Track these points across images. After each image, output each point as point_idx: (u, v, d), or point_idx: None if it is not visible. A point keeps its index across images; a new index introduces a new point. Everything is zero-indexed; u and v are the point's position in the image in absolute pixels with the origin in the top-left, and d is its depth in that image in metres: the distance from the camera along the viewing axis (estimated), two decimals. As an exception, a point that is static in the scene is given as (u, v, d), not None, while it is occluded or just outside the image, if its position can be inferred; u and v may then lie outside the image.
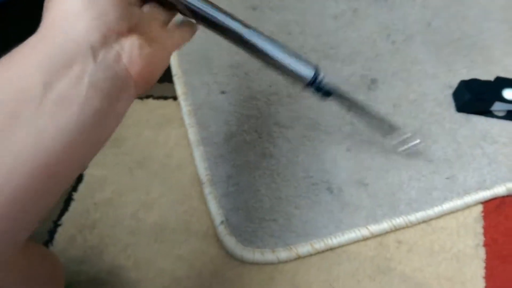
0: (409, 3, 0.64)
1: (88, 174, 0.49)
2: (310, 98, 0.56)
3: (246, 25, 0.33)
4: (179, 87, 0.56)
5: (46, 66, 0.22)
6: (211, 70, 0.57)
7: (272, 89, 0.56)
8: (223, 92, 0.56)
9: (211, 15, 0.32)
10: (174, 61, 0.58)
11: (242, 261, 0.44)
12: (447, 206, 0.47)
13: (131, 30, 0.26)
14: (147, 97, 0.56)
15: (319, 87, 0.35)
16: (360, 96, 0.56)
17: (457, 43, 0.60)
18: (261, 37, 0.32)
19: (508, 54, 0.59)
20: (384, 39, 0.61)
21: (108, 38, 0.24)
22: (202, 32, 0.63)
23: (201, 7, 0.30)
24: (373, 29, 0.62)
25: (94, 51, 0.23)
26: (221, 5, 0.64)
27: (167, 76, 0.57)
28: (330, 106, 0.55)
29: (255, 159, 0.50)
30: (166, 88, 0.56)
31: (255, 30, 0.32)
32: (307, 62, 0.36)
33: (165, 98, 0.56)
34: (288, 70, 0.34)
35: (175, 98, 0.55)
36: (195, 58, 0.58)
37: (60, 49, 0.23)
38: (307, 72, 0.35)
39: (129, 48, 0.25)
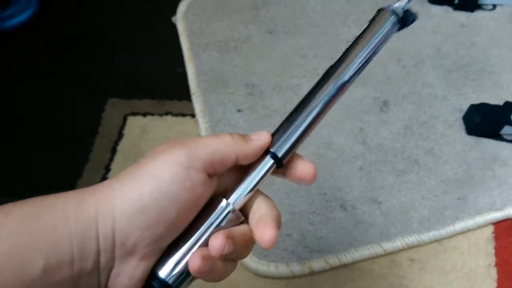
0: (420, 30, 0.67)
1: (108, 186, 0.51)
2: (324, 119, 0.58)
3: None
4: (197, 105, 0.58)
5: (53, 251, 0.21)
6: (228, 89, 0.60)
7: (286, 108, 0.58)
8: (239, 111, 0.58)
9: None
10: (192, 81, 0.60)
11: (257, 274, 0.45)
12: (458, 226, 0.48)
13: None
14: (166, 114, 0.58)
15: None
16: (372, 118, 0.57)
17: (466, 68, 0.62)
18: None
19: (516, 79, 0.61)
20: (395, 63, 0.63)
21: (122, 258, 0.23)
22: (218, 53, 0.66)
23: None
24: (385, 54, 0.64)
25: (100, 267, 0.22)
26: (238, 30, 0.67)
27: (185, 95, 0.59)
28: (343, 126, 0.56)
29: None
30: (184, 106, 0.58)
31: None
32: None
33: (184, 115, 0.58)
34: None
35: (193, 115, 0.57)
36: (212, 78, 0.61)
37: (86, 240, 0.22)
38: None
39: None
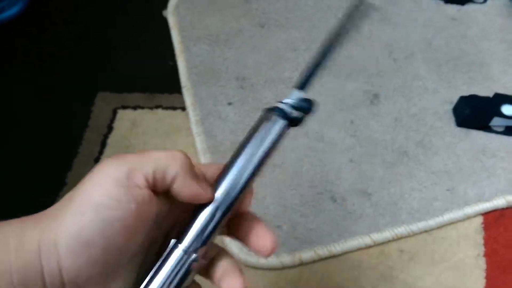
0: (411, 23, 0.67)
1: (98, 179, 0.51)
2: (315, 112, 0.58)
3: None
4: (188, 98, 0.58)
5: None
6: (219, 82, 0.60)
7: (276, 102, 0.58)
8: (230, 103, 0.58)
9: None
10: (183, 74, 0.60)
11: (246, 265, 0.45)
12: (447, 216, 0.48)
13: None
14: (157, 107, 0.58)
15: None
16: (363, 110, 0.57)
17: (456, 61, 0.62)
18: None
19: (506, 72, 0.61)
20: (387, 57, 0.63)
21: None
22: (209, 47, 0.66)
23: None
24: (376, 47, 0.64)
25: None
26: (229, 24, 0.67)
27: (176, 88, 0.59)
28: (334, 119, 0.57)
29: (260, 168, 0.51)
30: (175, 99, 0.58)
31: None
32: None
33: (174, 108, 0.58)
34: None
35: (183, 108, 0.57)
36: (203, 71, 0.61)
37: (28, 276, 0.20)
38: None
39: None
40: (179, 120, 0.57)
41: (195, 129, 0.55)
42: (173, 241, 0.23)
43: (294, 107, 0.26)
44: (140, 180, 0.21)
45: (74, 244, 0.20)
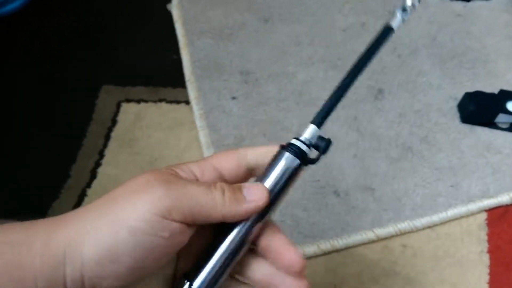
0: (415, 19, 0.67)
1: (102, 172, 0.51)
2: (318, 106, 0.58)
3: None
4: (192, 92, 0.58)
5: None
6: (222, 77, 0.59)
7: (281, 96, 0.58)
8: (233, 98, 0.58)
9: None
10: (187, 68, 0.60)
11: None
12: (451, 212, 0.48)
13: None
14: (160, 100, 0.57)
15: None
16: (367, 106, 0.57)
17: (461, 57, 0.62)
18: None
19: (511, 68, 0.60)
20: (391, 52, 0.63)
21: None
22: (213, 40, 0.65)
23: None
24: (380, 42, 0.64)
25: None
26: (233, 18, 0.67)
27: (180, 82, 0.59)
28: (337, 114, 0.56)
29: (264, 162, 0.51)
30: (179, 93, 0.58)
31: None
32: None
33: (178, 102, 0.57)
34: None
35: (187, 102, 0.57)
36: (207, 65, 0.61)
37: (52, 282, 0.20)
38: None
39: None
40: (183, 114, 0.56)
41: (199, 123, 0.54)
42: (187, 285, 0.24)
43: (311, 145, 0.25)
44: (179, 217, 0.22)
45: (101, 259, 0.21)
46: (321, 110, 0.26)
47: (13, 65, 0.62)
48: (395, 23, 0.27)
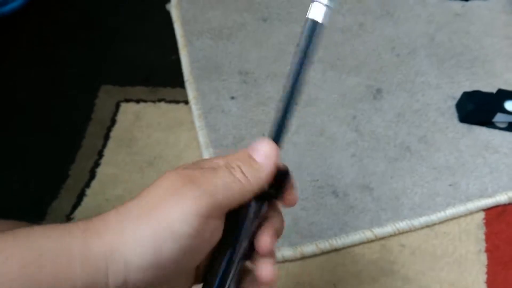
0: (414, 18, 0.67)
1: (101, 172, 0.51)
2: (316, 106, 0.58)
3: None
4: (191, 92, 0.58)
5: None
6: (221, 77, 0.60)
7: (279, 96, 0.58)
8: (232, 98, 0.58)
9: None
10: (186, 68, 0.60)
11: (249, 259, 0.45)
12: (449, 212, 0.48)
13: None
14: (160, 100, 0.58)
15: None
16: (365, 105, 0.57)
17: (459, 56, 0.62)
18: None
19: (509, 68, 0.61)
20: (389, 52, 0.63)
21: None
22: (212, 41, 0.65)
23: None
24: (379, 42, 0.64)
25: None
26: (232, 18, 0.67)
27: (179, 82, 0.59)
28: (336, 113, 0.57)
29: (263, 162, 0.51)
30: (178, 92, 0.58)
31: None
32: None
33: (177, 102, 0.58)
34: None
35: (186, 102, 0.57)
36: (206, 65, 0.61)
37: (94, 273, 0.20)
38: None
39: None
40: (182, 114, 0.57)
41: (198, 123, 0.55)
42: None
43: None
44: (218, 212, 0.22)
45: (147, 266, 0.21)
46: (275, 126, 0.25)
47: (12, 64, 0.62)
48: (319, 15, 0.23)
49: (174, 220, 0.21)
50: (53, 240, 0.20)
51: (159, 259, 0.21)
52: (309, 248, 0.45)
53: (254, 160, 0.24)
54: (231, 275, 0.24)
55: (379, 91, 0.59)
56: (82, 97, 0.58)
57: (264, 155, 0.24)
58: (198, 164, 0.25)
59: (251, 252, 0.25)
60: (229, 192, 0.22)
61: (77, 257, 0.20)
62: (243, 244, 0.24)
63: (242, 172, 0.23)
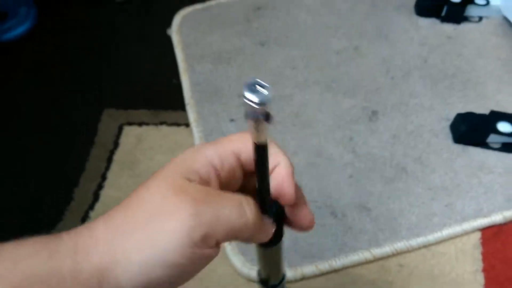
0: (407, 41, 0.69)
1: (104, 194, 0.52)
2: (313, 128, 0.59)
3: None
4: (191, 115, 0.59)
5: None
6: (221, 100, 0.61)
7: (278, 118, 0.59)
8: (232, 120, 0.59)
9: None
10: (187, 91, 0.62)
11: (249, 279, 0.45)
12: (446, 232, 0.49)
13: None
14: (161, 123, 0.59)
15: None
16: (361, 127, 0.59)
17: (452, 78, 0.64)
18: None
19: (500, 90, 0.62)
20: (384, 74, 0.65)
21: None
22: (212, 65, 0.67)
23: None
24: (373, 65, 0.66)
25: None
26: (231, 42, 0.69)
27: (180, 105, 0.61)
28: (333, 135, 0.58)
29: (262, 183, 0.52)
30: (179, 116, 0.60)
31: None
32: None
33: (178, 125, 0.59)
34: None
35: (187, 125, 0.59)
36: (206, 88, 0.62)
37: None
38: None
39: None
40: (183, 136, 0.58)
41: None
42: None
43: None
44: (213, 243, 0.21)
45: (140, 286, 0.20)
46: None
47: (16, 89, 0.64)
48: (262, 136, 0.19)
49: (166, 250, 0.20)
50: (42, 261, 0.19)
51: (150, 282, 0.20)
52: (309, 269, 0.46)
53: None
54: None
55: (374, 113, 0.60)
56: (85, 121, 0.59)
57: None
58: (207, 159, 0.23)
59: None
60: (228, 224, 0.21)
61: (68, 279, 0.19)
62: None
63: (256, 211, 0.22)
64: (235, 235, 0.21)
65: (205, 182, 0.22)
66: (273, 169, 0.23)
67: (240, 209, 0.21)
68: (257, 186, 0.23)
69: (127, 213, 0.21)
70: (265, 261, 0.29)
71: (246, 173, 0.24)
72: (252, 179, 0.24)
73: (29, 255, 0.19)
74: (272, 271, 0.30)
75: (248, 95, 0.17)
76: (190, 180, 0.22)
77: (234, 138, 0.24)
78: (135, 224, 0.21)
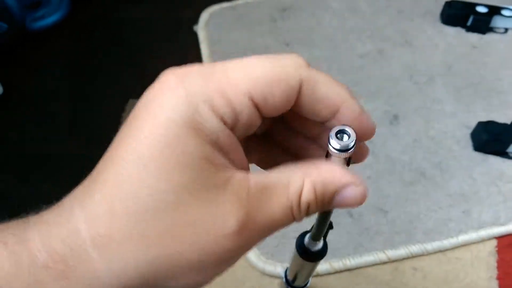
0: (432, 48, 0.69)
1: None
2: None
3: None
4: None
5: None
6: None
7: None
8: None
9: None
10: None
11: (264, 273, 0.46)
12: (462, 238, 0.49)
13: None
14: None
15: None
16: (382, 130, 0.59)
17: (475, 86, 0.64)
18: None
19: (524, 100, 0.62)
20: (407, 79, 0.65)
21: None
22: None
23: None
24: (397, 69, 0.66)
25: None
26: (256, 41, 0.70)
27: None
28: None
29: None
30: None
31: None
32: None
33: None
34: None
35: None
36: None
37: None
38: None
39: None
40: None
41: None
42: None
43: None
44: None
45: None
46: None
47: (46, 77, 0.66)
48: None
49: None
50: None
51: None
52: (323, 267, 0.46)
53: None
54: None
55: (395, 116, 0.61)
56: (110, 110, 0.61)
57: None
58: (216, 109, 0.16)
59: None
60: (272, 224, 0.17)
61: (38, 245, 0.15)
62: None
63: (306, 211, 0.17)
64: (270, 230, 0.18)
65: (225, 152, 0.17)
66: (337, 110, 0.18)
67: (288, 213, 0.17)
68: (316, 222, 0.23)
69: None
70: (301, 268, 0.30)
71: (262, 116, 0.17)
72: (277, 127, 0.19)
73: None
74: (302, 277, 0.31)
75: (332, 142, 0.17)
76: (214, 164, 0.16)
77: (242, 68, 0.17)
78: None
